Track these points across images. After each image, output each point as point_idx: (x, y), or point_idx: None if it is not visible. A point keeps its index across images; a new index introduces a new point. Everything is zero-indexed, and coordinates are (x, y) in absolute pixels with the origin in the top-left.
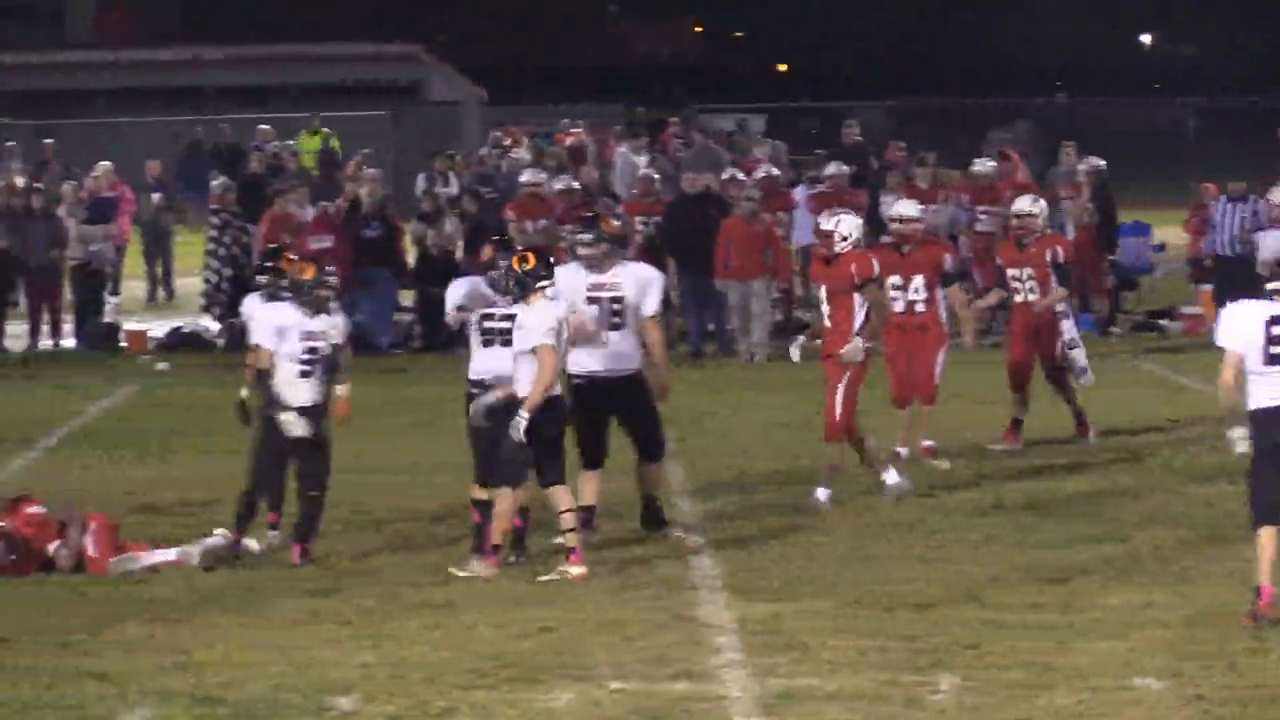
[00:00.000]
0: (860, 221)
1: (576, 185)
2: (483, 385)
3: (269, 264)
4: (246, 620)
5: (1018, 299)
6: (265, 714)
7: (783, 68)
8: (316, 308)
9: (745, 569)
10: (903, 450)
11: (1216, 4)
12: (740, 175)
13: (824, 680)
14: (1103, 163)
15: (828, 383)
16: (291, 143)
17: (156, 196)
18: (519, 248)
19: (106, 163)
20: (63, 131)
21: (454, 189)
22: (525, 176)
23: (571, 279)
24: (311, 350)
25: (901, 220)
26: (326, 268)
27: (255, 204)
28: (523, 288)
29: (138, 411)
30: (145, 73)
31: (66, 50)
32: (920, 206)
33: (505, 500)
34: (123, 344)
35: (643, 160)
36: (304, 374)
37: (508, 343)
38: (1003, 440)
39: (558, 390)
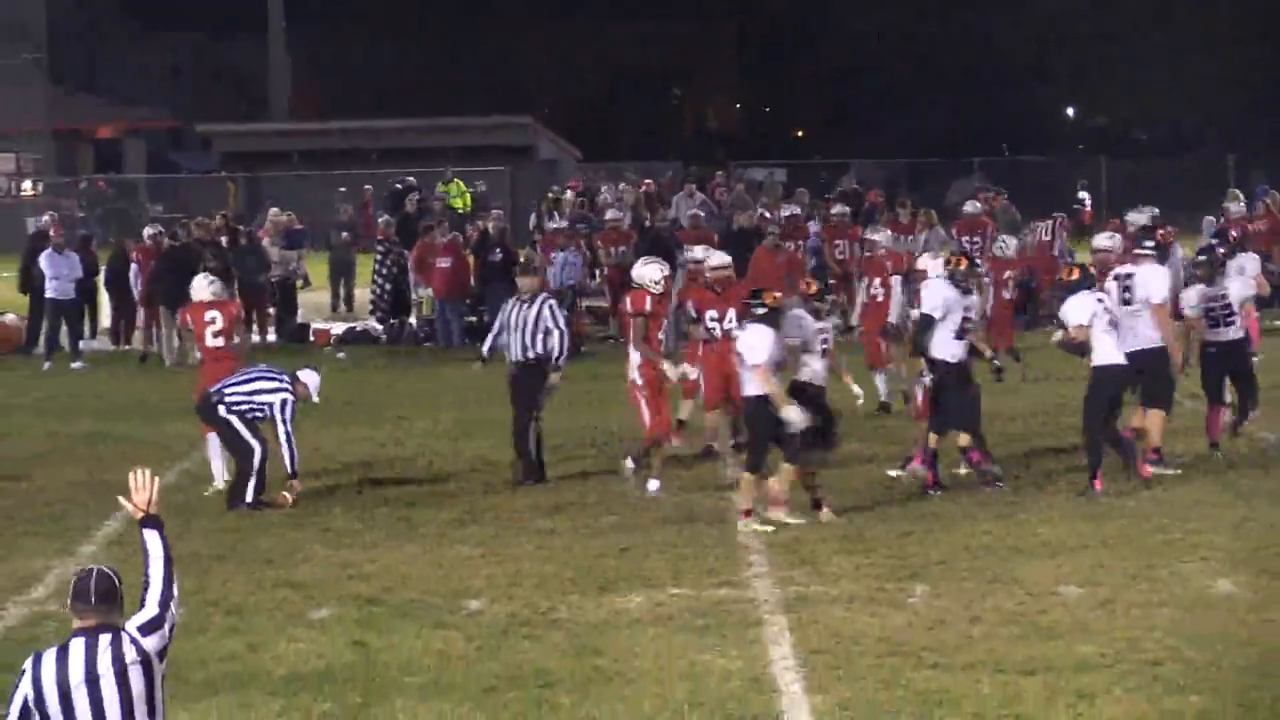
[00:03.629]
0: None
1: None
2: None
3: None
4: (402, 542)
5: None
6: (416, 611)
7: (800, 133)
8: None
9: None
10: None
11: None
12: (767, 214)
13: (829, 587)
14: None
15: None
16: (438, 190)
17: (345, 235)
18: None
19: (275, 208)
20: (265, 183)
21: (558, 223)
22: (609, 215)
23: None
24: None
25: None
26: None
27: (409, 235)
28: None
29: (323, 388)
30: (326, 138)
31: (268, 122)
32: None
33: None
34: (312, 339)
35: (696, 202)
36: None
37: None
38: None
39: None
